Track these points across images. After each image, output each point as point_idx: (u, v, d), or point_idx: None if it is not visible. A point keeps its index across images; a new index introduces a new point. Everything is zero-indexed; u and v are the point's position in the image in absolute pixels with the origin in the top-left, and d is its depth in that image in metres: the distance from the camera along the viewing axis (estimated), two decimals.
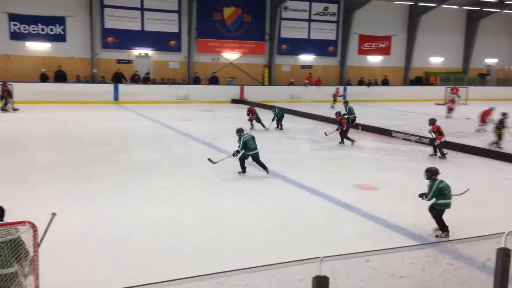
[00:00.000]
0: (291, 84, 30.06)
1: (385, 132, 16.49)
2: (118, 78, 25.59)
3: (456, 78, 33.28)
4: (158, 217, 7.34)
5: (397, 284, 4.88)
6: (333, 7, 31.27)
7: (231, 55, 29.48)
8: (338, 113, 14.60)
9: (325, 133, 14.84)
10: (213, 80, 28.31)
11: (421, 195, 6.97)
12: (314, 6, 30.77)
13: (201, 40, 28.32)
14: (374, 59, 33.41)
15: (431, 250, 5.38)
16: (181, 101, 26.10)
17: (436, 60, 35.00)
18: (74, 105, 22.53)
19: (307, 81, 29.95)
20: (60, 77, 24.57)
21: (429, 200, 6.83)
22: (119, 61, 26.60)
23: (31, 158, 11.81)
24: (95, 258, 5.80)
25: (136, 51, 27.05)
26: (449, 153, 12.52)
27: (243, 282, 3.66)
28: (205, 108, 23.91)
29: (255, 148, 10.13)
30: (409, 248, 5.05)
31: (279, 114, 17.59)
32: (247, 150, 10.01)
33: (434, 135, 12.45)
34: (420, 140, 14.73)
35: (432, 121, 12.60)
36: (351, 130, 14.55)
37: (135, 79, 26.08)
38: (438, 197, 6.75)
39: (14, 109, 19.75)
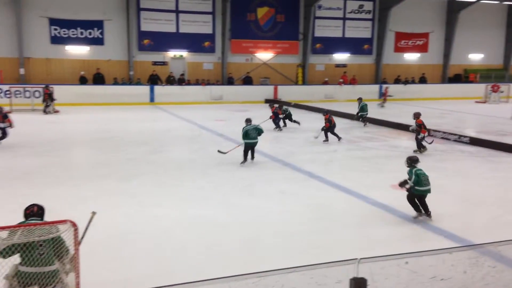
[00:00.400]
0: (325, 83, 29.81)
1: None
2: (153, 80, 26.04)
3: (497, 75, 32.15)
4: (194, 216, 7.43)
5: (438, 286, 4.76)
6: (368, 5, 30.82)
7: (264, 55, 29.51)
8: (325, 112, 15.04)
9: (315, 137, 14.74)
10: (247, 81, 28.42)
11: (401, 184, 7.49)
12: (349, 4, 30.42)
13: (234, 41, 28.48)
14: (411, 57, 32.71)
15: (473, 252, 5.21)
16: (215, 102, 26.32)
17: (475, 57, 33.94)
18: (112, 107, 23.08)
19: (341, 80, 29.63)
20: (99, 79, 25.23)
21: (412, 185, 7.34)
22: (155, 63, 27.08)
23: (73, 158, 12.18)
24: (134, 256, 5.92)
25: (171, 53, 27.46)
26: (489, 152, 12.13)
27: (278, 282, 3.66)
28: (239, 108, 24.01)
29: (255, 138, 11.07)
30: (449, 250, 4.91)
31: (288, 113, 17.74)
32: (248, 138, 10.96)
33: (418, 129, 12.55)
34: (459, 139, 14.34)
35: (417, 115, 12.77)
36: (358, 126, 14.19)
37: (170, 81, 26.48)
38: (418, 184, 7.32)
39: (55, 111, 20.40)
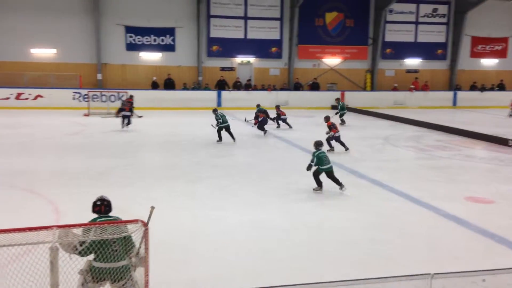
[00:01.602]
0: (395, 89, 28.92)
1: (500, 141, 15.09)
2: (221, 85, 26.57)
3: None
4: (256, 220, 7.42)
5: None
6: (443, 8, 29.57)
7: (332, 61, 29.16)
8: (260, 110, 16.40)
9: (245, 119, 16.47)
10: (314, 86, 28.21)
11: (307, 168, 8.98)
12: (422, 8, 29.37)
13: (302, 46, 28.40)
14: (488, 62, 30.94)
15: None
16: (281, 107, 26.28)
17: None
18: (181, 111, 23.79)
19: (412, 86, 28.60)
20: (169, 84, 26.14)
21: (314, 165, 8.94)
22: (223, 69, 27.63)
23: (144, 160, 12.65)
24: (199, 257, 6.01)
25: (239, 59, 27.88)
26: None
27: None
28: (304, 114, 23.87)
29: (227, 122, 14.72)
30: None
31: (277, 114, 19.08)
32: (224, 122, 14.62)
33: (329, 130, 13.36)
34: None
35: (326, 118, 13.82)
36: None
37: (237, 86, 26.88)
38: (319, 163, 8.94)
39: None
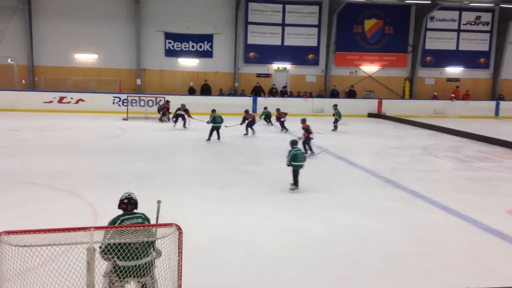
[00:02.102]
0: (435, 98, 28.25)
1: None
2: (257, 91, 26.66)
3: None
4: (288, 227, 7.36)
5: None
6: (486, 16, 28.74)
7: (370, 68, 28.79)
8: (246, 111, 17.62)
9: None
10: (350, 94, 27.90)
11: (287, 165, 9.58)
12: (465, 16, 28.63)
13: (339, 53, 28.19)
14: None
15: None
16: (316, 114, 26.16)
17: None
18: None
19: (453, 95, 27.86)
20: (206, 90, 26.44)
21: (289, 162, 9.53)
22: (259, 75, 27.73)
23: (178, 164, 12.80)
24: (229, 262, 6.00)
25: (275, 65, 27.92)
26: None
27: None
28: (340, 122, 23.61)
29: (221, 122, 16.16)
30: None
31: (266, 113, 20.83)
32: (215, 123, 15.90)
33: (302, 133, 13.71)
34: None
35: (303, 120, 14.37)
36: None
37: (273, 92, 26.90)
38: (293, 160, 9.45)
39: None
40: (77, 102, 24.01)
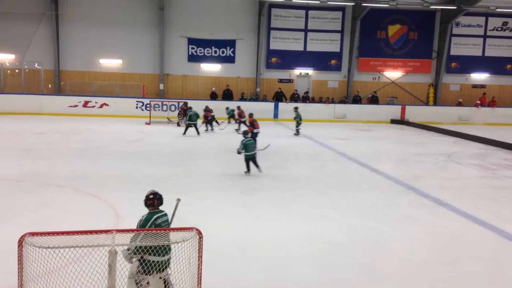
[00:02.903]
0: (460, 104, 27.77)
1: None
2: (278, 97, 26.66)
3: None
4: (311, 234, 7.30)
5: None
6: None
7: (393, 74, 28.51)
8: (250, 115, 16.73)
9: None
10: (373, 100, 27.66)
11: (237, 152, 11.19)
12: (491, 21, 28.15)
13: (362, 59, 28.01)
14: None
15: None
16: (338, 120, 26.02)
17: None
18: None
19: (479, 102, 27.33)
20: (228, 95, 26.57)
21: (240, 151, 11.17)
22: (281, 81, 27.75)
23: (200, 169, 12.86)
24: (251, 267, 5.98)
25: (297, 71, 27.89)
26: None
27: None
28: (362, 128, 23.42)
29: (196, 119, 18.13)
30: None
31: (230, 114, 21.59)
32: (192, 120, 17.87)
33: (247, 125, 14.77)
34: None
35: (250, 115, 15.67)
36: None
37: (294, 98, 26.85)
38: (245, 149, 11.09)
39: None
40: (101, 106, 24.41)
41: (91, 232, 3.63)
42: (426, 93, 28.72)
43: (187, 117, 18.14)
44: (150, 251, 4.18)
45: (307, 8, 26.92)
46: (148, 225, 4.43)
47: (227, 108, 21.92)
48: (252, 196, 9.61)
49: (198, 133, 18.26)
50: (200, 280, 3.98)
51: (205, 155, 14.83)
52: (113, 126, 20.59)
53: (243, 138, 11.34)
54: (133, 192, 9.44)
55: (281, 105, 25.96)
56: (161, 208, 4.70)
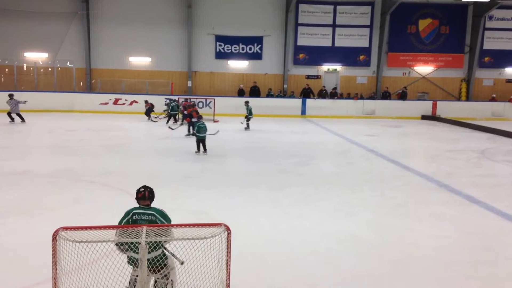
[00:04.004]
0: (493, 99, 27.01)
1: None
2: (306, 93, 26.50)
3: None
4: (339, 232, 7.22)
5: None
6: None
7: (424, 69, 27.94)
8: (190, 105, 17.84)
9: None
10: (403, 95, 27.18)
11: (192, 134, 13.29)
12: None
13: (392, 54, 27.56)
14: None
15: None
16: (367, 116, 25.70)
17: None
18: (265, 118, 24.06)
19: None
20: (255, 92, 26.58)
21: (193, 132, 13.35)
22: (308, 77, 27.57)
23: (228, 165, 12.92)
24: (279, 265, 5.96)
25: (325, 67, 27.66)
26: None
27: None
28: (392, 124, 23.06)
29: (175, 110, 20.29)
30: None
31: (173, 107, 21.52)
32: (172, 111, 19.40)
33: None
34: None
35: (192, 105, 17.26)
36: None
37: (322, 94, 26.64)
38: (197, 131, 13.17)
39: (214, 121, 21.92)
40: (131, 103, 24.80)
41: (121, 227, 3.68)
42: (458, 88, 28.05)
43: (169, 108, 19.92)
44: (130, 247, 4.01)
45: (335, 3, 26.64)
46: (125, 220, 4.30)
47: (172, 101, 22.07)
48: (280, 192, 9.58)
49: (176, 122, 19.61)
50: (229, 275, 3.99)
51: (232, 152, 14.87)
52: (142, 123, 20.90)
53: (196, 121, 13.68)
54: (161, 187, 9.52)
55: (309, 101, 25.81)
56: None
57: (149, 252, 3.99)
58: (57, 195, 8.86)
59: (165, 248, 4.22)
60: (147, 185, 4.56)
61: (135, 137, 17.10)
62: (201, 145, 13.43)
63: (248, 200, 8.89)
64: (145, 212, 4.36)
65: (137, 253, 3.87)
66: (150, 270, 4.07)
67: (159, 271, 4.14)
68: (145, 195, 4.44)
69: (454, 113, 25.27)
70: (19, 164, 11.50)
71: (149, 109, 22.34)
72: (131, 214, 4.34)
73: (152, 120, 21.92)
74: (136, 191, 4.50)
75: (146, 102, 22.77)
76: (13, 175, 10.30)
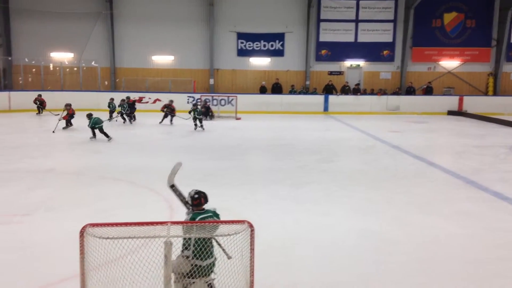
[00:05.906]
0: None
1: None
2: (328, 89, 26.30)
3: None
4: (364, 229, 7.14)
5: None
6: None
7: (449, 63, 27.40)
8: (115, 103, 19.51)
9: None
10: (428, 90, 26.72)
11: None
12: None
13: (416, 48, 27.11)
14: None
15: None
16: (391, 112, 25.37)
17: None
18: (287, 115, 23.99)
19: None
20: (277, 89, 26.52)
21: (92, 125, 14.90)
22: (331, 73, 27.35)
23: (250, 163, 12.93)
24: (302, 262, 5.94)
25: (348, 63, 27.39)
26: None
27: None
28: (417, 120, 22.71)
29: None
30: None
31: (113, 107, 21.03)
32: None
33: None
34: None
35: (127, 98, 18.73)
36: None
37: (345, 90, 26.40)
38: (94, 122, 14.93)
39: (237, 119, 22.03)
40: (154, 102, 25.04)
41: (147, 223, 3.72)
42: (485, 83, 27.42)
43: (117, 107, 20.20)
44: (197, 255, 4.17)
45: None
46: None
47: (123, 100, 20.66)
48: (303, 189, 9.53)
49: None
50: (253, 272, 3.99)
51: (254, 149, 14.87)
52: (165, 120, 21.07)
53: (94, 117, 15.10)
54: (184, 185, 9.57)
55: (331, 98, 25.62)
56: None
57: (206, 259, 4.21)
58: (82, 192, 9.02)
59: (217, 242, 4.32)
60: (198, 189, 4.69)
61: (158, 134, 17.28)
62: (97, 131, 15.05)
63: (271, 197, 8.88)
64: (208, 216, 4.47)
65: (205, 259, 4.16)
66: (209, 275, 4.25)
67: (209, 275, 4.27)
68: (201, 201, 4.58)
69: (481, 108, 24.71)
70: (45, 162, 11.76)
71: (172, 109, 20.77)
72: (197, 219, 4.40)
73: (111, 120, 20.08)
74: (190, 198, 4.62)
75: (170, 102, 21.29)
76: (40, 173, 10.54)
